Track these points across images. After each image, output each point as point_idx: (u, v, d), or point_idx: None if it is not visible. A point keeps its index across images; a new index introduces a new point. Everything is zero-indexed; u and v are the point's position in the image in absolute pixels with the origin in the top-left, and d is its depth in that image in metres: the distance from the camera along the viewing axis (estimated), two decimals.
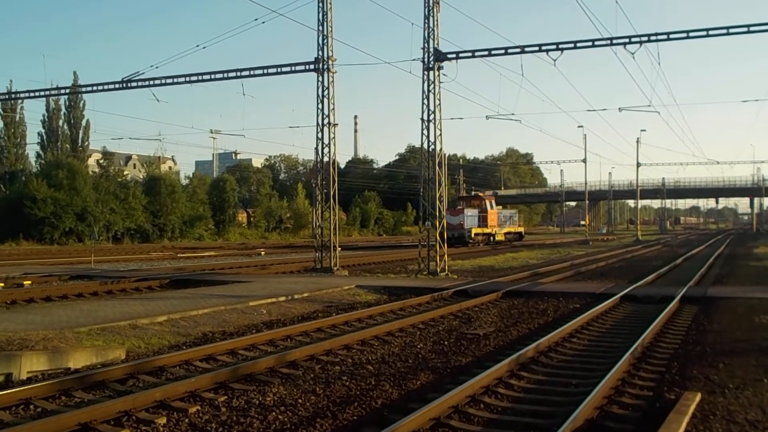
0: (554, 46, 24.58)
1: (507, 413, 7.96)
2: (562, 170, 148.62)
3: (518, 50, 25.17)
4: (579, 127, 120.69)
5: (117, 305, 16.31)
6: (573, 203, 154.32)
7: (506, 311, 16.74)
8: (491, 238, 55.02)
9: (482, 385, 8.72)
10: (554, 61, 24.71)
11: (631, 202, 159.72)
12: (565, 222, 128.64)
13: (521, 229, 63.58)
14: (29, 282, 22.79)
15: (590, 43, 24.37)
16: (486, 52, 25.56)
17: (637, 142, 79.29)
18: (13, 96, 49.00)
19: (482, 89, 79.41)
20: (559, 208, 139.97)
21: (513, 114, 31.89)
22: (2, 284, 21.72)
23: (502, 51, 25.37)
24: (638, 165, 75.77)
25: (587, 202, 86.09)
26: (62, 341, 11.61)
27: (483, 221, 54.00)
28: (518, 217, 64.46)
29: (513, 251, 46.26)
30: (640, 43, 23.83)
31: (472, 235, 51.52)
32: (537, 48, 24.81)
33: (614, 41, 24.03)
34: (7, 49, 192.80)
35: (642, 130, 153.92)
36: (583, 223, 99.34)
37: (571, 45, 24.61)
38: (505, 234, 58.21)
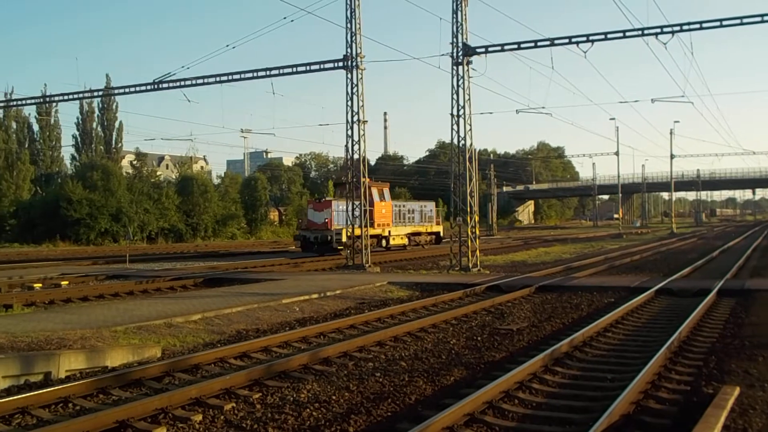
0: (585, 38, 24.34)
1: (542, 408, 7.91)
2: (594, 163, 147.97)
3: (548, 43, 24.95)
4: (611, 119, 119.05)
5: (152, 304, 16.51)
6: (606, 197, 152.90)
7: (539, 306, 16.64)
8: (382, 241, 39.15)
9: (516, 380, 8.68)
10: (585, 53, 24.52)
11: (665, 195, 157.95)
12: (598, 216, 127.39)
13: (439, 229, 46.49)
14: (66, 282, 23.14)
15: (621, 34, 24.08)
16: (515, 46, 25.38)
17: (671, 133, 78.29)
18: (47, 99, 49.79)
19: (512, 83, 78.82)
20: (591, 202, 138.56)
21: (543, 108, 31.80)
22: (40, 284, 22.09)
23: (532, 44, 25.18)
24: (672, 157, 74.94)
25: (620, 195, 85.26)
26: (99, 340, 11.77)
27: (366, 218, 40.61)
28: (435, 212, 47.02)
29: (546, 246, 45.96)
30: (673, 33, 23.49)
31: (344, 238, 33.78)
32: (567, 40, 24.58)
33: (646, 32, 23.71)
34: (40, 53, 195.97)
35: (675, 122, 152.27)
36: (616, 216, 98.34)
37: (602, 36, 24.34)
38: (409, 235, 42.37)
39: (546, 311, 15.79)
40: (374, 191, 38.30)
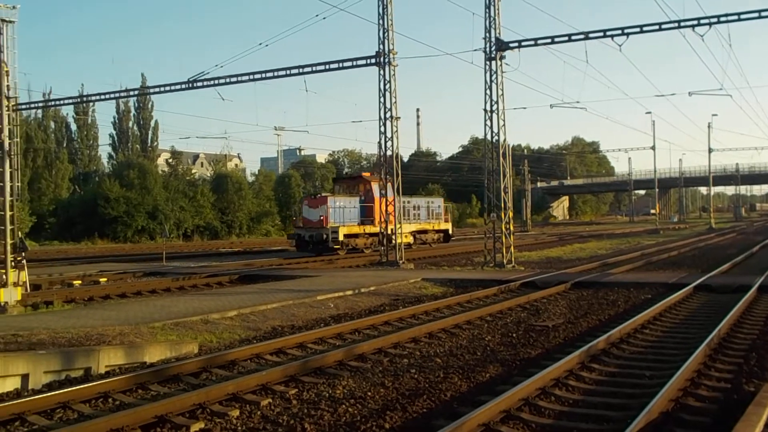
0: (619, 31, 24.03)
1: (579, 405, 7.84)
2: (630, 158, 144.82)
3: (582, 37, 24.71)
4: (647, 113, 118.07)
5: (189, 301, 16.69)
6: (642, 192, 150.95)
7: (575, 302, 16.50)
8: (385, 240, 34.92)
9: (553, 377, 8.62)
10: (620, 46, 24.21)
11: (703, 189, 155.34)
12: (634, 211, 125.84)
13: (447, 226, 43.34)
14: (105, 279, 23.51)
15: (657, 27, 23.75)
16: (549, 40, 25.17)
17: (709, 127, 76.70)
18: (84, 99, 50.59)
19: (546, 78, 78.44)
20: (627, 197, 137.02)
21: (578, 102, 31.62)
22: (80, 282, 22.48)
23: (566, 38, 24.94)
24: (710, 151, 73.52)
25: (657, 190, 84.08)
26: (137, 336, 11.94)
27: (366, 214, 36.41)
28: (444, 208, 43.70)
29: (581, 242, 45.55)
30: (710, 24, 23.10)
31: (341, 237, 33.59)
32: (602, 34, 24.31)
33: (682, 24, 23.36)
34: (78, 53, 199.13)
35: (713, 115, 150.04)
36: (653, 211, 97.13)
37: (638, 29, 24.01)
38: (415, 233, 39.64)
39: (582, 308, 15.65)
40: (375, 186, 35.74)
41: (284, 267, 27.91)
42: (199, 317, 13.80)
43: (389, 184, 36.05)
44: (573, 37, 24.86)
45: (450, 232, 43.86)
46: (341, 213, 34.51)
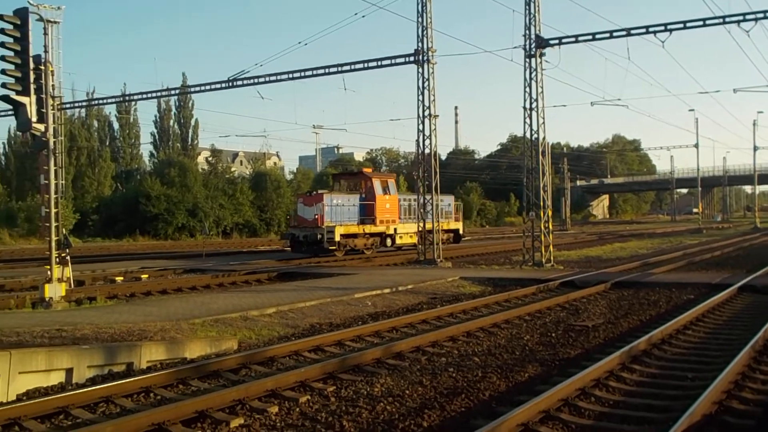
0: (662, 27, 23.69)
1: (619, 406, 7.75)
2: (672, 156, 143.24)
3: (624, 33, 24.41)
4: (690, 110, 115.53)
5: (228, 297, 16.86)
6: (684, 190, 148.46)
7: (615, 302, 16.30)
8: (387, 240, 34.49)
9: (593, 377, 8.52)
10: (662, 42, 23.88)
11: (748, 188, 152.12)
12: (677, 210, 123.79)
13: (457, 226, 40.21)
14: (146, 276, 23.87)
15: (701, 23, 23.35)
16: (590, 37, 24.91)
17: (754, 124, 75.23)
18: (126, 98, 51.42)
19: (586, 75, 77.42)
20: (669, 196, 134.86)
21: (619, 99, 31.10)
22: (122, 278, 22.86)
23: (607, 35, 24.66)
24: (755, 149, 72.04)
25: (700, 188, 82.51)
26: (178, 332, 12.10)
27: (367, 213, 33.77)
28: (454, 206, 40.48)
29: (621, 241, 44.99)
30: (756, 20, 22.63)
31: (337, 237, 30.93)
32: (644, 30, 23.98)
33: (727, 19, 22.94)
34: (120, 53, 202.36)
35: (759, 112, 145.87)
36: (695, 210, 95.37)
37: (681, 25, 23.64)
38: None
39: (622, 308, 15.45)
40: (376, 183, 34.03)
41: (322, 265, 28.04)
42: (239, 314, 13.93)
43: (392, 181, 35.61)
44: (614, 34, 24.57)
45: (461, 231, 40.54)
46: (339, 211, 32.03)
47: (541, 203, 25.79)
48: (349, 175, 37.07)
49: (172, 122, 77.46)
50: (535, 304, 15.50)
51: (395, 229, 34.51)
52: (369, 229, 33.17)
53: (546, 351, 10.90)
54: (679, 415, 6.83)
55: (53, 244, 15.86)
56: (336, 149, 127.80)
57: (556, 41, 25.19)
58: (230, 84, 30.41)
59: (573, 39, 25.15)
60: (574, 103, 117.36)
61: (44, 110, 15.06)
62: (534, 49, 25.08)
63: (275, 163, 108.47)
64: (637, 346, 10.15)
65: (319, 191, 33.75)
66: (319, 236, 30.44)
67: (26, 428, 7.21)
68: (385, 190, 34.41)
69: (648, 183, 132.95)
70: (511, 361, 10.18)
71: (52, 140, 15.73)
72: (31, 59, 14.84)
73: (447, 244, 36.89)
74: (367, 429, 7.18)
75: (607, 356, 9.42)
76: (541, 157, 25.70)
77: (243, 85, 30.06)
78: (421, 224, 28.90)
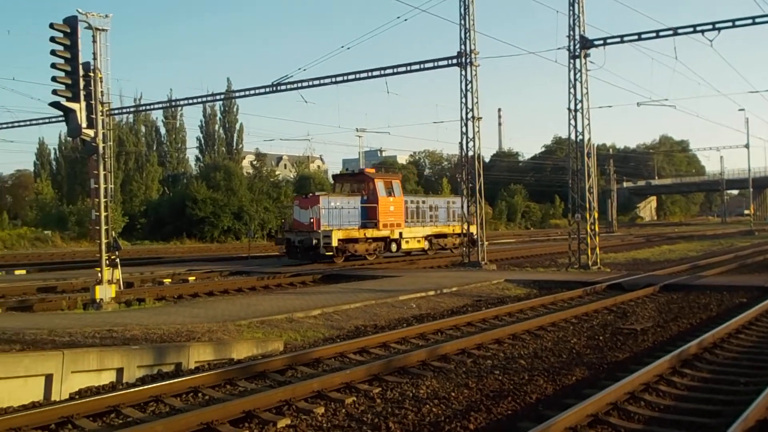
0: (710, 26, 23.21)
1: (669, 411, 7.61)
2: (722, 157, 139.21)
3: (671, 32, 23.98)
4: (740, 110, 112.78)
5: (274, 299, 17.00)
6: (735, 192, 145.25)
7: (664, 306, 16.02)
8: (392, 245, 32.01)
9: (642, 381, 8.38)
10: (711, 41, 23.38)
11: None
12: (727, 212, 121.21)
13: (473, 230, 31.62)
14: (193, 278, 24.20)
15: (751, 21, 22.83)
16: (636, 37, 24.53)
17: None
18: (173, 104, 52.23)
19: (632, 75, 76.22)
20: (719, 197, 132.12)
21: (666, 99, 30.59)
22: (169, 280, 23.22)
23: (653, 34, 24.26)
24: None
25: (751, 189, 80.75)
26: (225, 333, 12.23)
27: (369, 216, 31.36)
28: (468, 208, 33.42)
29: (669, 243, 44.22)
30: None
31: (334, 242, 28.63)
32: (692, 29, 23.54)
33: None
34: (166, 58, 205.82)
35: None
36: (747, 212, 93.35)
37: (729, 24, 23.14)
38: (430, 238, 34.46)
39: (672, 311, 15.18)
40: (379, 184, 31.51)
41: (366, 267, 28.09)
42: (284, 316, 14.03)
43: (396, 182, 33.05)
44: (661, 33, 24.16)
45: (476, 236, 35.68)
46: (337, 214, 29.69)
47: (587, 205, 25.49)
48: (350, 176, 34.98)
49: (217, 127, 78.40)
50: (582, 307, 15.31)
51: (401, 233, 32.19)
52: (371, 233, 31.00)
53: (593, 354, 10.75)
54: (732, 420, 6.69)
55: (103, 246, 16.18)
56: (379, 152, 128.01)
57: (601, 42, 24.87)
58: (274, 89, 30.72)
59: (618, 39, 24.81)
60: (620, 104, 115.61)
61: (94, 116, 15.38)
62: (578, 50, 24.81)
63: (318, 167, 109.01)
64: (688, 350, 9.96)
65: (316, 193, 32.18)
66: (314, 241, 28.50)
67: (78, 426, 7.36)
68: (389, 191, 32.06)
69: (697, 184, 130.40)
70: (557, 364, 10.06)
71: (101, 145, 16.05)
72: (80, 66, 15.18)
73: (460, 249, 33.11)
74: (413, 431, 7.16)
75: (657, 360, 9.26)
76: (586, 158, 25.42)
77: (287, 90, 30.34)
78: (466, 227, 28.76)
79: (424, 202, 35.12)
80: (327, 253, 28.53)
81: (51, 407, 7.71)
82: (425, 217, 34.32)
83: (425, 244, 33.87)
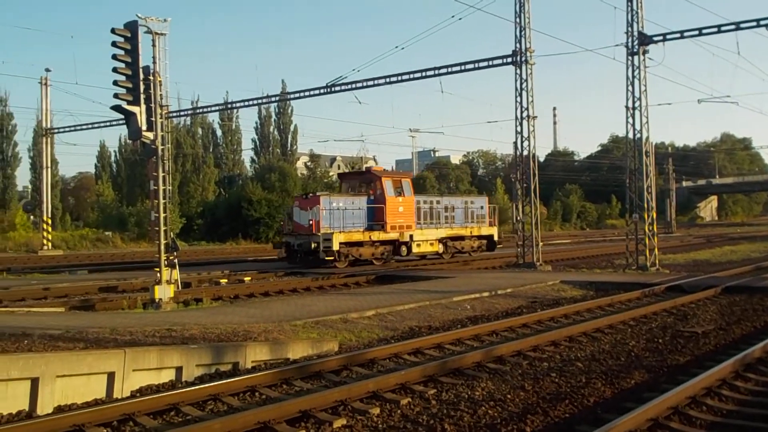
0: None
1: (732, 416, 7.42)
2: None
3: (733, 27, 23.37)
4: None
5: (328, 300, 17.11)
6: None
7: (727, 308, 15.61)
8: (402, 248, 29.85)
9: (703, 386, 8.19)
10: None
11: None
12: None
13: (491, 231, 34.70)
14: (249, 278, 24.48)
15: None
16: (696, 32, 23.95)
17: None
18: (229, 106, 53.02)
19: (692, 71, 74.32)
20: None
21: (728, 96, 29.71)
22: (226, 280, 23.55)
23: (715, 29, 23.66)
24: None
25: None
26: (281, 333, 12.36)
27: (376, 218, 29.13)
28: (488, 209, 35.33)
29: (731, 244, 43.08)
30: None
31: (335, 246, 26.73)
32: (755, 23, 22.92)
33: None
34: (222, 61, 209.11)
35: None
36: None
37: None
38: (445, 240, 32.29)
39: (734, 313, 14.79)
40: (387, 183, 29.34)
41: (419, 268, 28.06)
42: (339, 316, 14.11)
43: (406, 181, 30.74)
44: (722, 28, 23.55)
45: (495, 237, 34.99)
46: (340, 216, 27.65)
47: (645, 205, 25.00)
48: (355, 174, 32.91)
49: (272, 128, 79.25)
50: (641, 309, 15.02)
51: (411, 236, 30.03)
52: (377, 236, 28.87)
53: (653, 357, 10.55)
54: None
55: (162, 247, 16.49)
56: (432, 152, 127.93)
57: (660, 38, 24.37)
58: (328, 90, 30.92)
59: (678, 35, 24.28)
60: (680, 101, 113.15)
61: (153, 119, 15.70)
62: (637, 47, 24.36)
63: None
64: (752, 354, 9.69)
65: (317, 193, 30.10)
66: (314, 245, 26.72)
67: (140, 424, 7.53)
68: (398, 191, 29.82)
69: (760, 183, 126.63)
70: (616, 367, 9.90)
71: (160, 147, 16.37)
72: (140, 70, 15.51)
73: (479, 252, 33.98)
74: None
75: (719, 363, 9.05)
76: (644, 157, 24.94)
77: (341, 91, 30.52)
78: (519, 228, 28.49)
79: (438, 202, 33.20)
80: (327, 258, 26.88)
81: (113, 404, 7.92)
82: (439, 219, 32.49)
83: (439, 248, 31.84)
